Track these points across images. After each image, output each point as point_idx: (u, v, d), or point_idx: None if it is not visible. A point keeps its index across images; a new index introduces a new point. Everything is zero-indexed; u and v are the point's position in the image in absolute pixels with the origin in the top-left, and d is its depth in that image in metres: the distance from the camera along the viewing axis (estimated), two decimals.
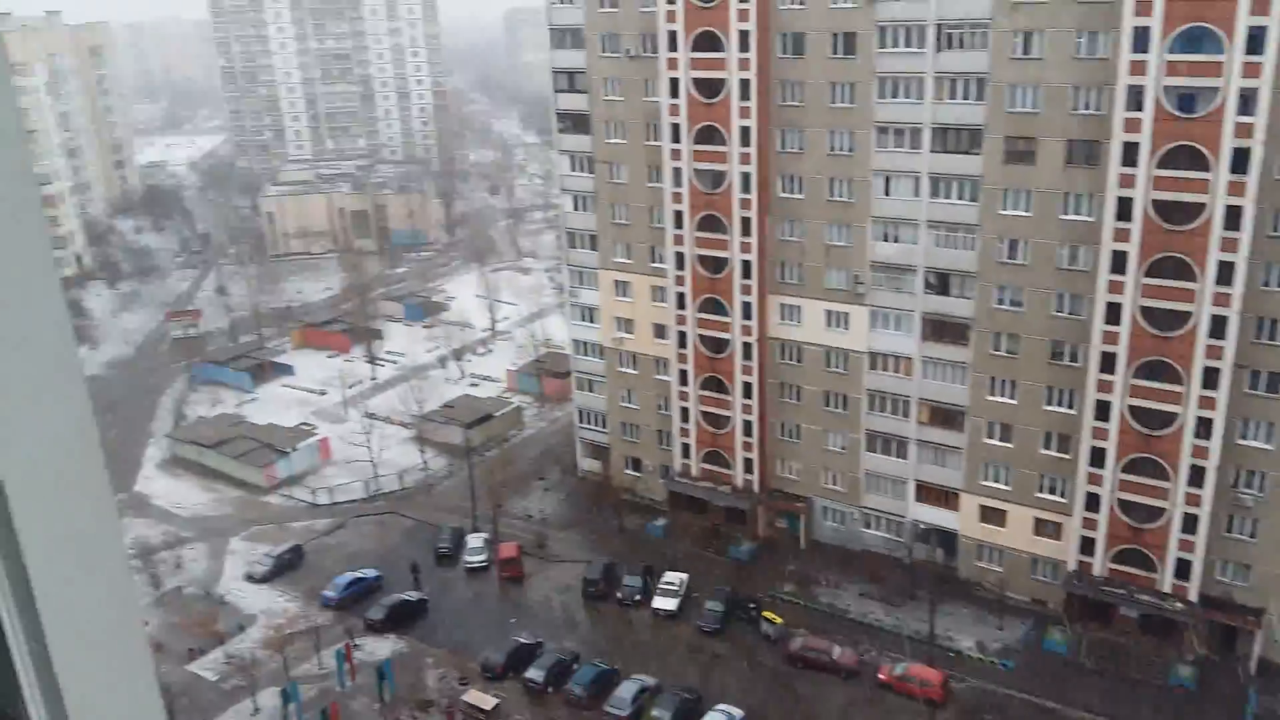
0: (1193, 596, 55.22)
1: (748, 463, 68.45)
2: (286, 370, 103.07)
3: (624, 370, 73.08)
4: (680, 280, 66.63)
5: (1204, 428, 52.30)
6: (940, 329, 60.14)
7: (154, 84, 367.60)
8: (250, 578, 66.74)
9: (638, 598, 62.72)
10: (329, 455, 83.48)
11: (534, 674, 55.69)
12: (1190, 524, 54.05)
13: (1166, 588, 55.79)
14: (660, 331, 69.82)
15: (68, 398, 5.92)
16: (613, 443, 75.65)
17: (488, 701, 54.44)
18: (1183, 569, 55.09)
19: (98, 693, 5.79)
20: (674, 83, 62.61)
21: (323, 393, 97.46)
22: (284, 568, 67.34)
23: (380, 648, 59.19)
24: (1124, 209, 51.32)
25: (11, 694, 5.05)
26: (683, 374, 68.73)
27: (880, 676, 55.40)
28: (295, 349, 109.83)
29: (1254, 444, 52.43)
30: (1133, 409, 53.77)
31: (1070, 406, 56.93)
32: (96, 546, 6.14)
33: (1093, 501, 56.62)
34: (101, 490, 6.35)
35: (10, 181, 5.41)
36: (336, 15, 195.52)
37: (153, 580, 65.91)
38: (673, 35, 61.69)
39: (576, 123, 69.48)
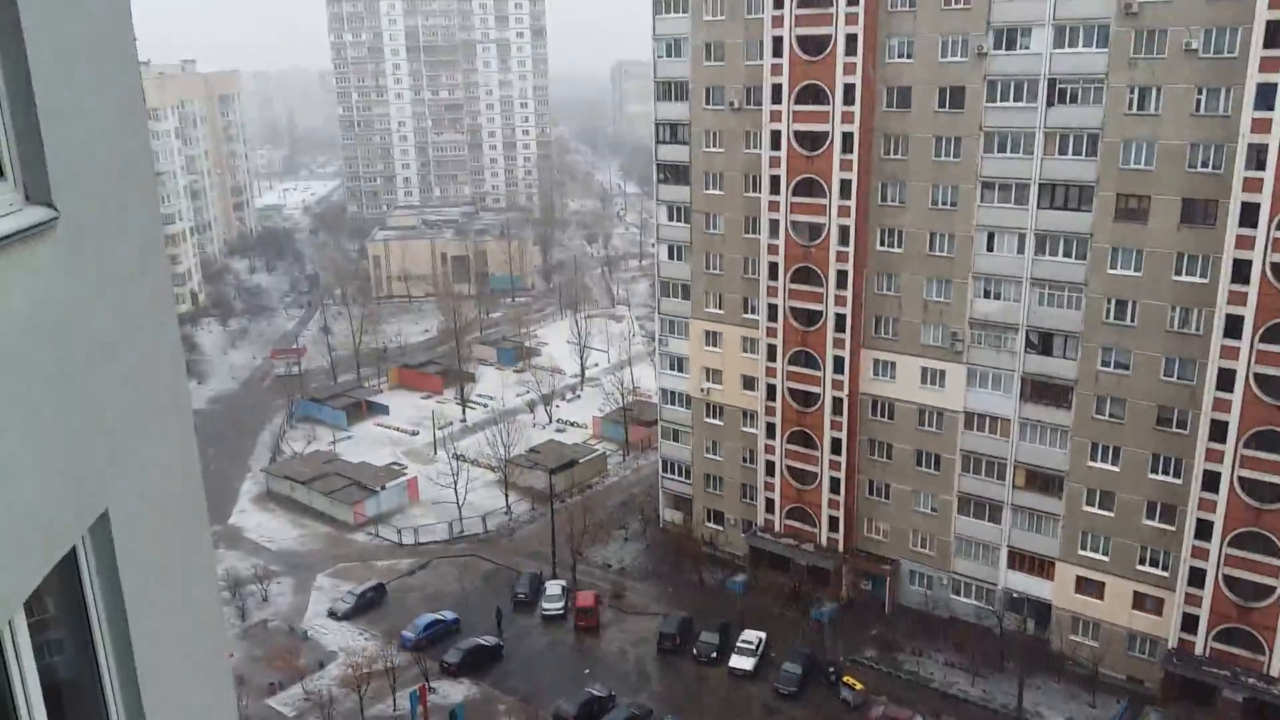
0: None
1: (833, 521, 67.04)
2: (381, 409, 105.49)
3: (710, 421, 72.65)
4: (772, 332, 66.19)
5: None
6: (1041, 390, 58.24)
7: (276, 131, 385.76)
8: (333, 614, 67.81)
9: (714, 655, 61.57)
10: (416, 495, 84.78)
11: None
12: None
13: (1275, 671, 52.28)
14: (749, 383, 69.32)
15: (176, 432, 6.03)
16: (695, 494, 75.03)
17: None
18: None
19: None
20: (776, 135, 62.79)
21: (414, 433, 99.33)
22: (366, 606, 68.25)
23: (454, 692, 59.27)
24: (1241, 271, 49.18)
25: (99, 715, 5.09)
26: (770, 427, 67.97)
27: None
28: (391, 389, 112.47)
29: None
30: (1243, 480, 50.99)
31: (1176, 476, 54.31)
32: (191, 577, 6.19)
33: (1197, 576, 53.67)
34: (200, 523, 6.42)
35: (140, 222, 5.60)
36: (451, 67, 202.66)
37: (240, 612, 67.49)
38: (777, 88, 62.00)
39: (676, 173, 70.16)
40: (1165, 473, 54.86)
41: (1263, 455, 50.27)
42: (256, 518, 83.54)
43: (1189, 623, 54.58)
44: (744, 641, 61.77)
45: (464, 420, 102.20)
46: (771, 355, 66.59)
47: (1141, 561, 56.83)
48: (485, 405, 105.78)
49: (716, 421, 72.39)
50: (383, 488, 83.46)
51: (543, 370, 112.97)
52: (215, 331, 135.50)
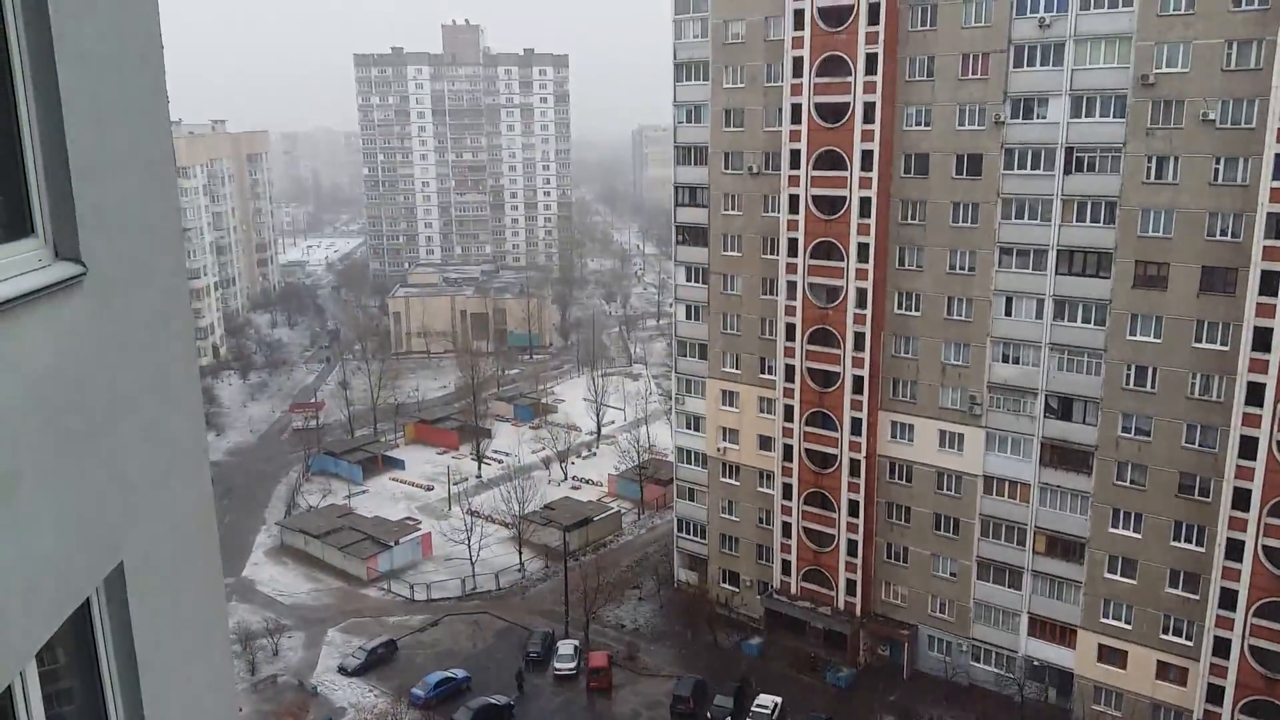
0: None
1: (850, 584, 66.14)
2: (397, 464, 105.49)
3: (726, 481, 72.24)
4: (789, 393, 66.08)
5: None
6: (1061, 455, 57.69)
7: (302, 188, 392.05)
8: (343, 670, 67.11)
9: (728, 719, 60.41)
10: (430, 551, 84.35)
11: None
12: None
13: None
14: (766, 443, 69.02)
15: (193, 485, 6.07)
16: (711, 554, 74.31)
17: None
18: None
19: None
20: (794, 199, 63.38)
21: (430, 488, 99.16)
22: (376, 663, 67.54)
23: None
24: (1261, 339, 48.87)
25: None
26: (787, 488, 67.51)
27: None
28: (407, 444, 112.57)
29: None
30: (1267, 549, 50.07)
31: (1199, 544, 53.42)
32: (203, 631, 6.18)
33: (1221, 647, 52.47)
34: (213, 576, 6.43)
35: (166, 278, 5.74)
36: (475, 130, 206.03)
37: (250, 666, 66.88)
38: (795, 154, 62.73)
39: (694, 235, 70.78)
40: (1188, 540, 53.99)
41: None
42: (269, 570, 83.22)
43: (1214, 694, 53.24)
44: (759, 706, 60.62)
45: (479, 476, 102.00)
46: (789, 416, 66.39)
47: (1165, 630, 55.68)
48: (501, 461, 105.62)
49: (733, 481, 71.97)
50: (396, 543, 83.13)
51: (559, 427, 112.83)
52: (235, 384, 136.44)
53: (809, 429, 65.68)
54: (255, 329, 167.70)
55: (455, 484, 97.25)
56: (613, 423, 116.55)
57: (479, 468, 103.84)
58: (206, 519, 6.25)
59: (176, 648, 5.69)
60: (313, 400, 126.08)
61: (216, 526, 6.48)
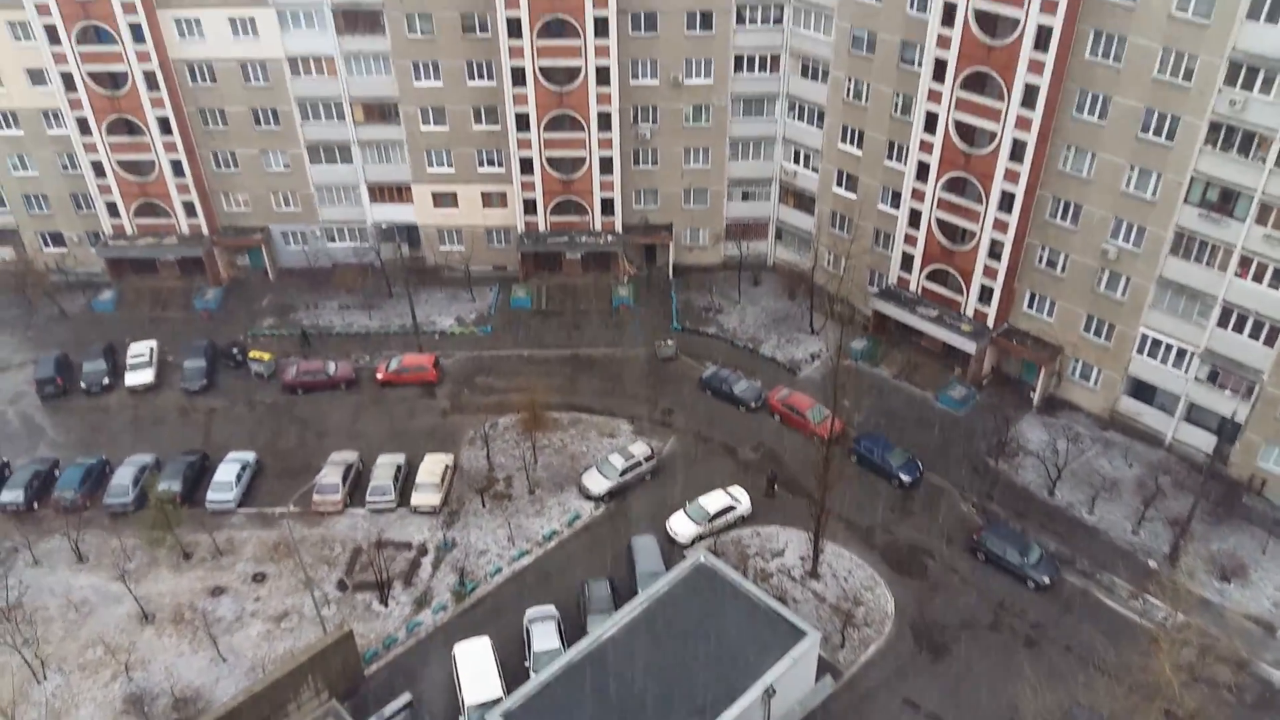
0: (619, 228, 63.82)
1: (188, 206, 63.40)
2: None
3: (8, 133, 61.87)
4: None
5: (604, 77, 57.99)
6: (353, 20, 57.81)
7: None
8: None
9: (106, 381, 57.19)
10: None
11: (10, 496, 49.10)
12: (607, 166, 61.16)
13: (598, 226, 63.50)
14: (40, 77, 59.43)
15: None
16: (21, 221, 65.26)
17: None
18: (608, 207, 62.93)
19: None
20: None
21: None
22: None
23: None
24: None
25: None
26: (82, 122, 60.00)
27: (379, 376, 57.42)
28: None
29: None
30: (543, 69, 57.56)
31: (490, 78, 59.16)
32: None
33: (526, 165, 61.13)
34: None
35: None
36: None
37: None
38: None
39: None
40: (481, 77, 59.34)
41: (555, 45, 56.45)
42: None
43: (529, 207, 62.65)
44: (135, 356, 58.11)
45: None
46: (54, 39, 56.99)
47: (480, 164, 62.71)
48: None
49: (12, 131, 61.79)
50: None
51: None
52: None
53: (85, 47, 57.50)
54: None
55: None
56: None
57: None
58: None
59: None
60: None
61: None
